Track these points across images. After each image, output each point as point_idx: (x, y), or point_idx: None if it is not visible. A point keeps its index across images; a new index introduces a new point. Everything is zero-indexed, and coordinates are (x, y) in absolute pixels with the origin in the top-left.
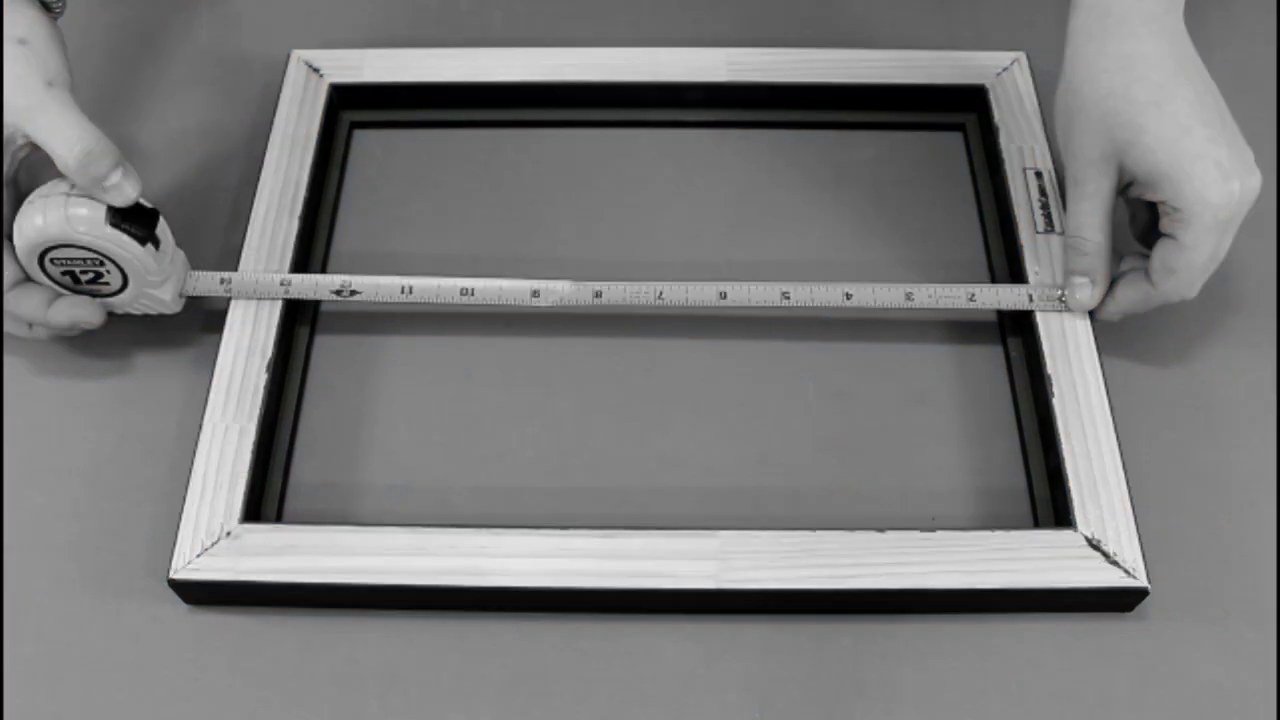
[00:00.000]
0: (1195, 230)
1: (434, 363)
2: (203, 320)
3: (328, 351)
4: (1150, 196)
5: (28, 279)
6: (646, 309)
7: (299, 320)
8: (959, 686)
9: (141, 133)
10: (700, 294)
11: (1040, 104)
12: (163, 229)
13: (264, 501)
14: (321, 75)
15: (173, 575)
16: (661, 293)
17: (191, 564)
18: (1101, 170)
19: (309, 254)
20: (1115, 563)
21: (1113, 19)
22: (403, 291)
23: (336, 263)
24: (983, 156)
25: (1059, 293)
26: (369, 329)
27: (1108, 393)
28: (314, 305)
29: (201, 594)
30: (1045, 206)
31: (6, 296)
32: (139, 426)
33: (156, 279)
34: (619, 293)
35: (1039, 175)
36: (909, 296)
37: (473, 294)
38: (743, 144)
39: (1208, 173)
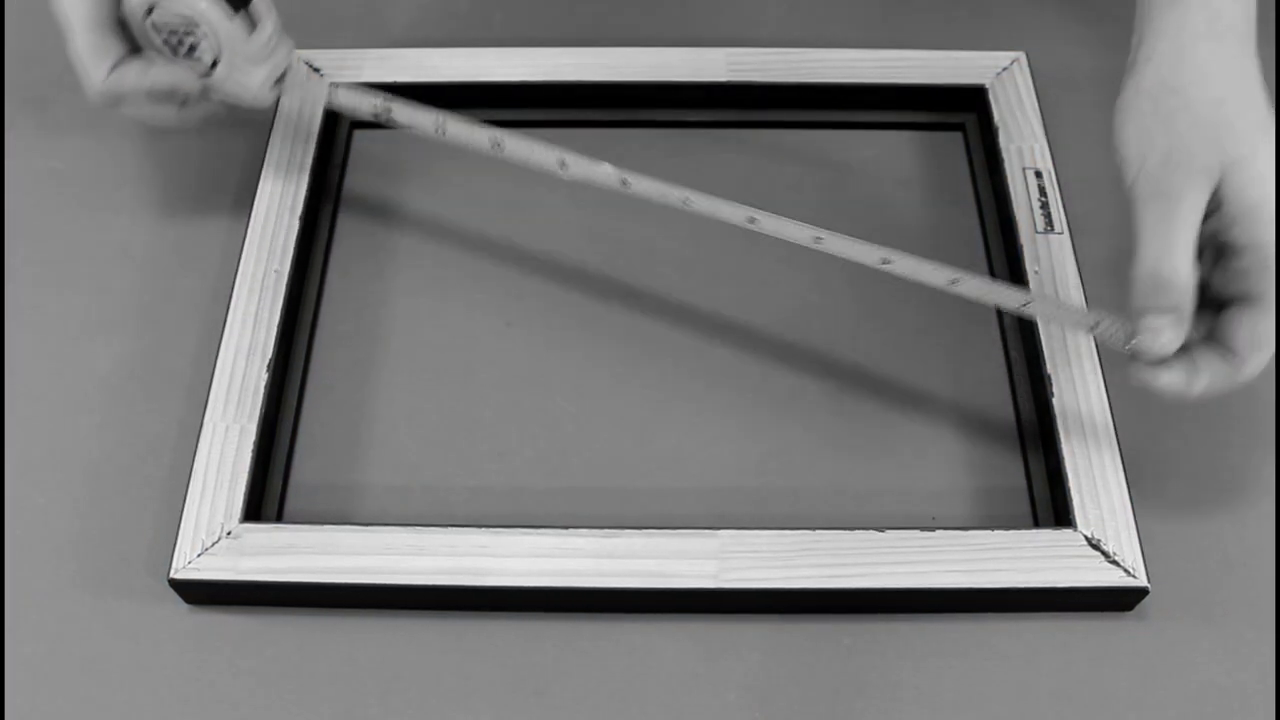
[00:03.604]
0: None
1: (434, 363)
2: (203, 320)
3: (328, 351)
4: (1230, 236)
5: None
6: (650, 291)
7: (299, 320)
8: (959, 686)
9: (141, 131)
10: (728, 212)
11: (1040, 104)
12: (261, 10)
13: (264, 501)
14: (321, 75)
15: (173, 575)
16: (688, 199)
17: (192, 564)
18: (1199, 184)
19: (309, 254)
20: (1115, 562)
21: (1223, 23)
22: (436, 130)
23: (336, 262)
24: (983, 156)
25: (1126, 341)
26: (369, 328)
27: (1108, 393)
28: (315, 302)
29: (202, 594)
30: (1045, 206)
31: (111, 77)
32: (139, 426)
33: (247, 59)
34: (646, 187)
35: (1039, 175)
36: (954, 283)
37: (502, 148)
38: (743, 144)
39: None
